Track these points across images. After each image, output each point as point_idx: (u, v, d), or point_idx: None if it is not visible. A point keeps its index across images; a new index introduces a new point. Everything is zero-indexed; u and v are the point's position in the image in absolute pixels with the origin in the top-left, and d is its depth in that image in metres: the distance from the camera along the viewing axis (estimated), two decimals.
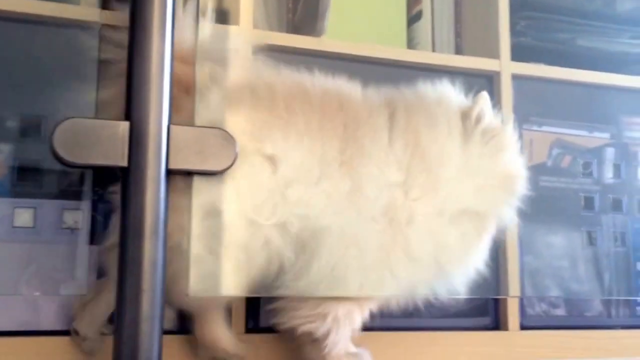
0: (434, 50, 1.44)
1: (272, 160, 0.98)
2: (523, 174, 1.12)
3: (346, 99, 1.05)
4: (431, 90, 1.12)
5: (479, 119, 1.09)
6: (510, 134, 1.12)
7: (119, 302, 0.84)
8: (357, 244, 1.00)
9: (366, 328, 1.08)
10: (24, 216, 1.08)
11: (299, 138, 0.99)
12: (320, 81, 1.06)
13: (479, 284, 1.30)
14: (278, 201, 0.97)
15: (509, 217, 1.11)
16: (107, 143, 0.85)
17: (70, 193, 1.12)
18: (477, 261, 1.09)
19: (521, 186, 1.12)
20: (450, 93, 1.12)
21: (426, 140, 1.05)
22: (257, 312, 1.19)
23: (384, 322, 1.16)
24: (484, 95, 1.11)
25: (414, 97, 1.11)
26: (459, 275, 1.08)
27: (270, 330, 1.13)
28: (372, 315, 1.09)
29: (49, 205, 1.10)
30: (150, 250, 0.84)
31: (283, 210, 0.97)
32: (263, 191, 0.97)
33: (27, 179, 1.10)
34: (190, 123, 0.93)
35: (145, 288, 0.83)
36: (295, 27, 1.30)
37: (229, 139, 0.91)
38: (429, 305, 1.26)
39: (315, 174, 0.99)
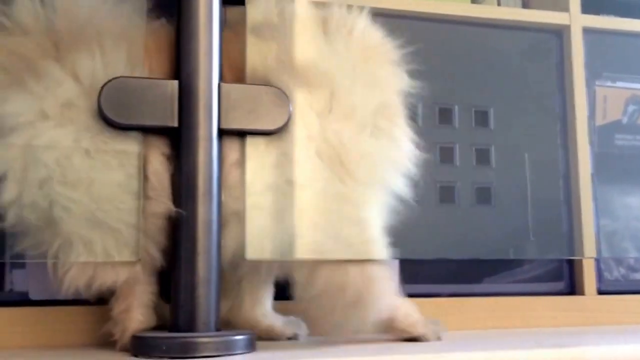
0: (499, 5, 1.38)
1: None
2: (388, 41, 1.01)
3: None
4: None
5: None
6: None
7: (174, 266, 0.83)
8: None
9: (437, 294, 1.03)
10: None
11: None
12: None
13: (553, 246, 1.26)
14: None
15: (403, 80, 1.00)
16: (157, 103, 0.84)
17: None
18: (407, 158, 0.98)
19: (392, 51, 1.01)
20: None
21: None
22: None
23: (457, 288, 1.12)
24: None
25: None
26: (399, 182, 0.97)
27: None
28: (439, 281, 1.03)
29: None
30: (204, 212, 0.82)
31: None
32: None
33: None
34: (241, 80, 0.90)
35: (200, 250, 0.82)
36: None
37: (282, 96, 0.88)
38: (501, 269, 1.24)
39: None
